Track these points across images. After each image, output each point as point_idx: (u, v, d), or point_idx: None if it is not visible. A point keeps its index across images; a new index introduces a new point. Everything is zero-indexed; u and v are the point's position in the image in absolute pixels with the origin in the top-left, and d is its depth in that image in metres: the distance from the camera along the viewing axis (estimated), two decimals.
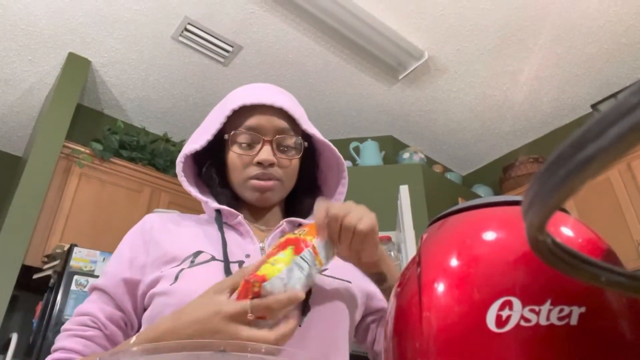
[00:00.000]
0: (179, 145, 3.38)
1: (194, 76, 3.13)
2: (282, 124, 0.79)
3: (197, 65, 3.05)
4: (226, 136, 0.80)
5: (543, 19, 2.69)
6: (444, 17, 2.70)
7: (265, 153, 0.77)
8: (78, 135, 3.13)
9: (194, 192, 0.82)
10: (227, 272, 0.68)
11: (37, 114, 3.34)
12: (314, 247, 0.60)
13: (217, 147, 0.82)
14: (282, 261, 0.57)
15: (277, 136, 0.79)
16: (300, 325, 0.67)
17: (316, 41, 2.87)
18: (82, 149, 2.91)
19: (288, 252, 0.58)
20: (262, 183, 0.78)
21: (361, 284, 0.81)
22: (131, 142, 3.16)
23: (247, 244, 0.76)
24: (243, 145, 0.79)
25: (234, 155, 0.79)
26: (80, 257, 2.36)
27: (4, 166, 3.52)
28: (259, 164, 0.77)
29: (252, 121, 0.78)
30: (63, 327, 0.71)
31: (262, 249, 0.76)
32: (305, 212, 0.88)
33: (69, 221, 2.75)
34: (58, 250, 2.46)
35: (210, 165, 0.84)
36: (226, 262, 0.70)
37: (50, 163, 2.67)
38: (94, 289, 0.74)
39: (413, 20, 2.72)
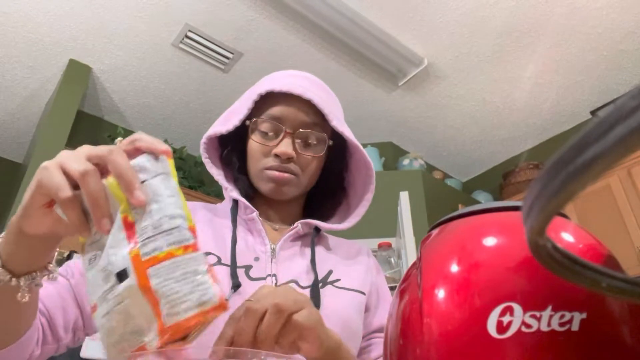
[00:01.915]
0: (180, 152, 3.39)
1: (195, 83, 3.14)
2: (308, 117, 0.75)
3: (198, 72, 3.06)
4: (248, 122, 0.75)
5: (542, 26, 2.70)
6: (444, 24, 2.71)
7: (284, 146, 0.73)
8: (78, 141, 3.12)
9: (216, 174, 0.78)
10: (234, 276, 0.65)
11: (37, 120, 3.34)
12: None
13: (242, 132, 0.78)
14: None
15: (300, 130, 0.74)
16: None
17: (316, 48, 2.88)
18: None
19: None
20: (276, 174, 0.73)
21: (374, 297, 0.77)
22: None
23: (258, 244, 0.73)
24: (264, 134, 0.75)
25: (254, 143, 0.76)
26: None
27: (5, 173, 3.52)
28: (277, 156, 0.73)
29: (276, 110, 0.74)
30: None
31: (273, 250, 0.73)
32: (326, 214, 0.84)
33: None
34: (57, 257, 2.46)
35: (233, 149, 0.80)
36: (233, 266, 0.67)
37: None
38: None
39: (412, 27, 2.73)
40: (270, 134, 0.75)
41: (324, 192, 0.85)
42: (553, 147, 3.50)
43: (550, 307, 0.28)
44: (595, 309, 0.29)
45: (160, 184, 0.40)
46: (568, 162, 0.17)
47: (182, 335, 0.38)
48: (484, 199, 3.67)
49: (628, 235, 2.66)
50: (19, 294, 0.47)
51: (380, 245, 2.41)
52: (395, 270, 2.29)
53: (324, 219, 0.83)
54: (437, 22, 2.70)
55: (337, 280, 0.74)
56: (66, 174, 0.40)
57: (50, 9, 2.61)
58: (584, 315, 0.28)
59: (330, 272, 0.74)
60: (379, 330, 0.76)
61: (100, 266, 0.39)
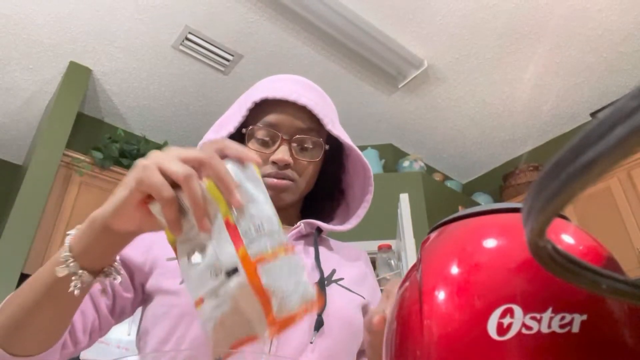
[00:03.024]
0: None
1: (195, 85, 3.14)
2: (304, 123, 0.75)
3: (198, 74, 3.06)
4: (244, 130, 0.75)
5: (542, 27, 2.70)
6: (444, 26, 2.72)
7: (281, 153, 0.73)
8: (78, 143, 3.13)
9: None
10: None
11: (37, 122, 3.35)
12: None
13: (237, 139, 0.77)
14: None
15: (296, 136, 0.74)
16: (311, 342, 0.64)
17: (316, 50, 2.88)
18: (83, 158, 2.91)
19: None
20: (275, 181, 0.73)
21: (372, 307, 0.77)
22: (131, 151, 3.17)
23: None
24: (261, 141, 0.75)
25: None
26: None
27: (4, 174, 3.52)
28: (274, 163, 0.73)
29: (272, 117, 0.74)
30: None
31: None
32: (324, 216, 0.85)
33: (68, 230, 2.74)
34: None
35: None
36: None
37: (51, 171, 2.67)
38: None
39: (413, 29, 2.74)
40: (267, 141, 0.75)
41: (322, 195, 0.85)
42: (553, 148, 3.50)
43: (550, 309, 0.28)
44: (596, 311, 0.28)
45: (254, 189, 0.43)
46: (568, 163, 0.17)
47: (286, 328, 0.42)
48: (484, 201, 3.67)
49: (628, 237, 2.66)
50: (73, 286, 0.48)
51: (380, 247, 2.40)
52: (395, 272, 2.29)
53: (324, 221, 0.83)
54: (437, 24, 2.71)
55: (341, 279, 0.74)
56: (165, 174, 0.41)
57: (50, 11, 2.62)
58: (584, 317, 0.28)
59: (334, 271, 0.75)
60: None
61: (207, 263, 0.42)
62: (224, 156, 0.44)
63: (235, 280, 0.40)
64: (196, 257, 0.42)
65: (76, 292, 0.47)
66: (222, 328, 0.41)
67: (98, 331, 0.66)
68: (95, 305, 0.65)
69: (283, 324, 0.41)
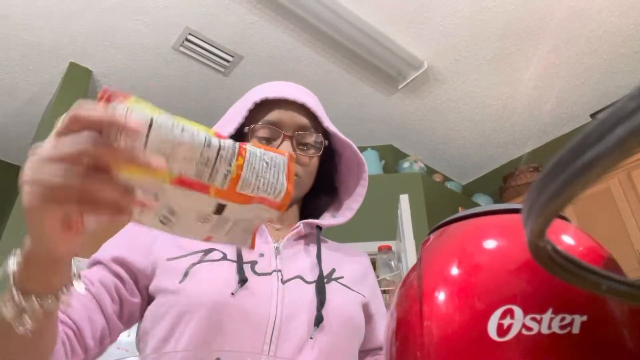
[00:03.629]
0: None
1: (195, 86, 3.15)
2: (304, 120, 0.77)
3: (198, 75, 3.06)
4: (246, 129, 0.77)
5: (542, 29, 2.70)
6: (444, 27, 2.72)
7: (285, 148, 0.75)
8: None
9: None
10: (240, 271, 0.66)
11: (37, 123, 3.35)
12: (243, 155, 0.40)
13: (237, 140, 0.79)
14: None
15: (297, 132, 0.77)
16: (311, 338, 0.65)
17: (316, 51, 2.89)
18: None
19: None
20: None
21: (373, 306, 0.78)
22: None
23: (261, 243, 0.74)
24: (262, 139, 0.76)
25: None
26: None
27: (4, 175, 3.52)
28: None
29: (273, 115, 0.76)
30: None
31: (277, 248, 0.74)
32: (321, 212, 0.86)
33: None
34: None
35: None
36: (239, 261, 0.67)
37: None
38: (97, 263, 0.69)
39: (413, 30, 2.74)
40: (269, 139, 0.76)
41: (319, 191, 0.87)
42: (553, 150, 3.49)
43: (550, 310, 0.28)
44: (596, 312, 0.28)
45: (161, 129, 0.36)
46: (568, 163, 0.17)
47: (289, 199, 0.43)
48: (484, 202, 3.67)
49: (628, 238, 2.66)
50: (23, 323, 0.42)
51: (380, 248, 2.40)
52: (395, 274, 2.29)
53: (320, 216, 0.85)
54: (437, 25, 2.71)
55: (341, 277, 0.75)
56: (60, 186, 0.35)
57: (50, 12, 2.62)
58: (584, 318, 0.28)
59: (333, 270, 0.76)
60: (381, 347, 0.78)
61: (191, 218, 0.41)
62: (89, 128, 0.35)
63: (227, 210, 0.41)
64: (169, 221, 0.41)
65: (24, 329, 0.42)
66: (239, 233, 0.44)
67: (108, 337, 0.66)
68: (103, 311, 0.65)
69: (285, 200, 0.43)
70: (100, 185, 0.35)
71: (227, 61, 2.95)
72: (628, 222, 2.69)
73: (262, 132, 0.76)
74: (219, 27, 2.74)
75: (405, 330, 0.34)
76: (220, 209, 0.41)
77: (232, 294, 0.63)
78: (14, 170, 3.56)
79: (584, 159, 0.16)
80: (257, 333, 0.63)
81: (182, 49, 2.86)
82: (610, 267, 0.32)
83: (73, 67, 2.94)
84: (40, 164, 0.36)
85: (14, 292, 0.41)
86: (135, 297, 0.68)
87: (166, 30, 2.75)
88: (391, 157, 3.64)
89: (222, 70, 3.02)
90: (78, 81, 2.95)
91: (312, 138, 0.78)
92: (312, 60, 2.95)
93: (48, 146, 0.37)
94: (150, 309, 0.67)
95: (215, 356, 0.38)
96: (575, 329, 0.28)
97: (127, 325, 0.69)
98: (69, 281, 0.46)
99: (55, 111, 2.84)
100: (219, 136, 0.40)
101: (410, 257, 2.13)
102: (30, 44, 2.79)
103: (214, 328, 0.62)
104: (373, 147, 3.58)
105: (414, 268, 0.39)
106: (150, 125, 0.35)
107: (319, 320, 0.65)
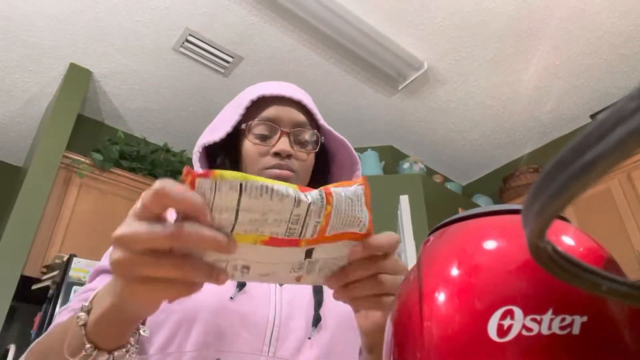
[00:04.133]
0: (179, 156, 3.38)
1: (195, 87, 3.15)
2: (300, 117, 0.78)
3: (198, 75, 3.07)
4: (243, 126, 0.77)
5: (542, 30, 2.70)
6: (443, 28, 2.72)
7: (283, 144, 0.75)
8: (78, 145, 3.13)
9: None
10: None
11: (37, 124, 3.35)
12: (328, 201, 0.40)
13: (232, 141, 0.79)
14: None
15: (294, 129, 0.77)
16: (309, 338, 0.65)
17: (316, 52, 2.89)
18: (83, 159, 2.92)
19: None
20: (277, 172, 0.74)
21: None
22: (131, 153, 3.17)
23: None
24: (260, 136, 0.77)
25: (250, 145, 0.77)
26: (79, 268, 2.36)
27: (4, 176, 3.53)
28: (276, 154, 0.75)
29: (270, 112, 0.77)
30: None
31: None
32: None
33: (68, 231, 2.74)
34: (57, 261, 2.46)
35: (225, 156, 0.82)
36: None
37: (51, 173, 2.67)
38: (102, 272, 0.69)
39: (412, 31, 2.74)
40: (266, 135, 0.77)
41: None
42: (553, 150, 3.50)
43: (550, 311, 0.28)
44: (597, 313, 0.28)
45: (251, 196, 0.37)
46: (568, 163, 0.17)
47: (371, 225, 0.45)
48: (484, 203, 3.67)
49: (628, 238, 2.66)
50: None
51: None
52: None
53: None
54: (437, 26, 2.71)
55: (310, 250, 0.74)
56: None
57: (50, 13, 2.62)
58: (584, 319, 0.28)
59: None
60: None
61: (282, 269, 0.43)
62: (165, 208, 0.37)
63: (316, 252, 0.42)
64: (247, 272, 0.42)
65: None
66: (330, 270, 0.45)
67: None
68: None
69: (370, 227, 0.44)
70: (189, 269, 0.37)
71: (227, 62, 2.95)
72: (628, 222, 2.69)
73: (260, 129, 0.77)
74: (219, 28, 2.74)
75: (405, 331, 0.34)
76: (309, 253, 0.42)
77: (231, 298, 0.63)
78: (13, 171, 3.56)
79: (584, 159, 0.16)
80: (257, 336, 0.63)
81: (182, 49, 2.86)
82: (611, 267, 0.32)
83: (73, 67, 2.94)
84: (129, 251, 0.36)
85: (88, 348, 0.43)
86: None
87: (166, 31, 2.75)
88: (391, 157, 3.64)
89: (222, 71, 3.02)
90: (78, 82, 2.95)
91: (309, 134, 0.79)
92: (312, 61, 2.95)
93: (135, 229, 0.37)
94: (151, 317, 0.66)
95: (215, 357, 0.38)
96: (576, 330, 0.28)
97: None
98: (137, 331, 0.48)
99: (55, 112, 2.84)
100: (302, 189, 0.39)
101: (410, 258, 2.13)
102: (31, 45, 2.80)
103: (214, 334, 0.61)
104: (373, 148, 3.58)
105: (413, 269, 0.39)
106: (241, 192, 0.36)
107: (317, 320, 0.65)
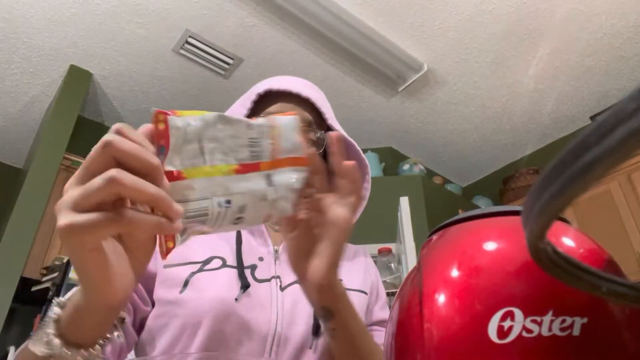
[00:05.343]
0: None
1: (195, 88, 3.15)
2: (306, 115, 0.75)
3: (198, 77, 3.07)
4: None
5: (542, 31, 2.71)
6: (443, 30, 2.72)
7: None
8: (79, 147, 3.13)
9: None
10: (242, 277, 0.64)
11: (38, 126, 3.35)
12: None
13: None
14: None
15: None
16: (311, 347, 0.64)
17: (316, 54, 2.89)
18: (83, 161, 2.91)
19: None
20: None
21: (373, 292, 0.77)
22: None
23: (260, 245, 0.72)
24: None
25: None
26: None
27: (4, 178, 3.53)
28: None
29: (275, 108, 0.75)
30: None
31: (276, 251, 0.72)
32: None
33: None
34: (57, 262, 2.45)
35: None
36: (240, 267, 0.66)
37: (51, 175, 2.67)
38: None
39: (412, 32, 2.74)
40: None
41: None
42: (553, 152, 3.50)
43: (551, 312, 0.28)
44: (597, 314, 0.28)
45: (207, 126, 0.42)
46: (568, 165, 0.17)
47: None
48: (484, 204, 3.67)
49: (628, 240, 2.66)
50: None
51: (380, 251, 2.40)
52: (395, 276, 2.29)
53: None
54: (436, 27, 2.71)
55: (340, 280, 0.73)
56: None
57: (51, 15, 2.62)
58: (585, 320, 0.28)
59: None
60: (376, 323, 0.76)
61: (254, 203, 0.43)
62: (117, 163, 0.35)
63: (274, 179, 0.44)
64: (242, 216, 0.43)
65: None
66: (282, 203, 0.46)
67: (125, 348, 0.64)
68: None
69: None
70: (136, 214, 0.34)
71: (227, 64, 2.95)
72: (628, 224, 2.69)
73: None
74: (219, 30, 2.74)
75: (406, 332, 0.34)
76: (269, 180, 0.44)
77: (236, 299, 0.63)
78: (14, 173, 3.56)
79: (584, 160, 0.16)
80: (259, 342, 0.62)
81: (182, 51, 2.86)
82: (611, 269, 0.32)
83: (73, 69, 2.94)
84: (71, 202, 0.35)
85: (60, 346, 0.40)
86: (147, 305, 0.67)
87: (166, 33, 2.75)
88: (391, 159, 3.64)
89: (222, 72, 3.03)
90: (78, 84, 2.95)
91: (315, 134, 0.76)
92: (312, 62, 2.95)
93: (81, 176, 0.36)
94: (150, 320, 0.65)
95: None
96: (576, 331, 0.28)
97: (139, 333, 0.67)
98: (111, 330, 0.45)
99: (55, 113, 2.84)
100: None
101: (410, 260, 2.13)
102: (31, 47, 2.80)
103: (217, 340, 0.61)
104: (373, 150, 3.58)
105: (414, 270, 0.39)
106: (204, 124, 0.41)
107: (317, 328, 0.65)
